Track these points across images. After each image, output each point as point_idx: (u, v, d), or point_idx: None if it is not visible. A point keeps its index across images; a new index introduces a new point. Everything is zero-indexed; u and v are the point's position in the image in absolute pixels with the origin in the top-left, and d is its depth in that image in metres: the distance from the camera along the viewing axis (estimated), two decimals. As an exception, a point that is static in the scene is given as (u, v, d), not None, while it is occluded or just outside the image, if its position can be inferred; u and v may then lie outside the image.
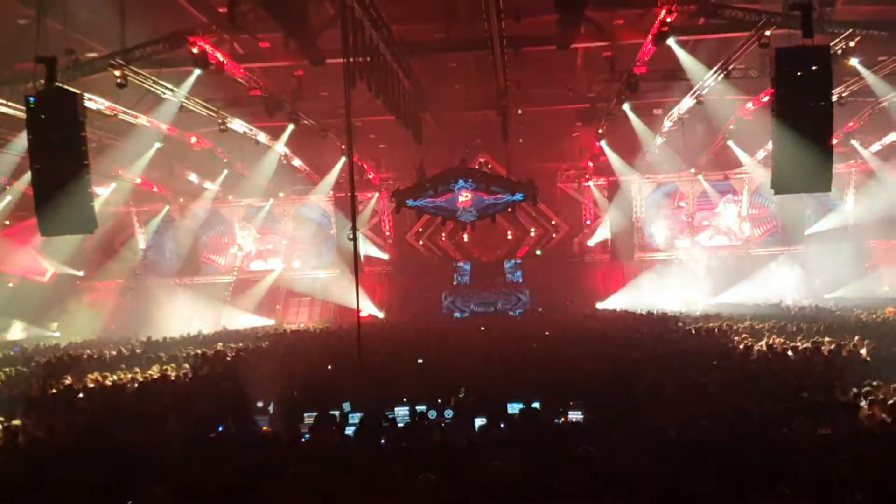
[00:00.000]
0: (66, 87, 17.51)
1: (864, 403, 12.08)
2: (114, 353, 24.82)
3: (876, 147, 33.96)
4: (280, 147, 31.73)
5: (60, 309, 35.90)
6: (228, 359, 22.07)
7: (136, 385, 17.93)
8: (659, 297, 34.99)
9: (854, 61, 22.33)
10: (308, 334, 29.88)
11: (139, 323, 34.05)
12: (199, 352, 23.74)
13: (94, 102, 22.55)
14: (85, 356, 24.01)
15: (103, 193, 33.45)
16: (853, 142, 33.43)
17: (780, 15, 19.77)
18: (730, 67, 23.36)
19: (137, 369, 20.09)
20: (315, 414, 13.33)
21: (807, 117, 15.69)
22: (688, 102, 27.40)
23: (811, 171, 16.14)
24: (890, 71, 24.16)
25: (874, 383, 12.83)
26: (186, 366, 20.78)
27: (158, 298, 36.88)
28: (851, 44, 21.02)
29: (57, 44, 18.69)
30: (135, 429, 12.94)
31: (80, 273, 37.66)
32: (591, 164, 37.58)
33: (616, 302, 36.18)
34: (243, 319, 35.65)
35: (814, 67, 15.56)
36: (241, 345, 25.85)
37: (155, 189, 36.62)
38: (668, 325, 25.65)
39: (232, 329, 32.44)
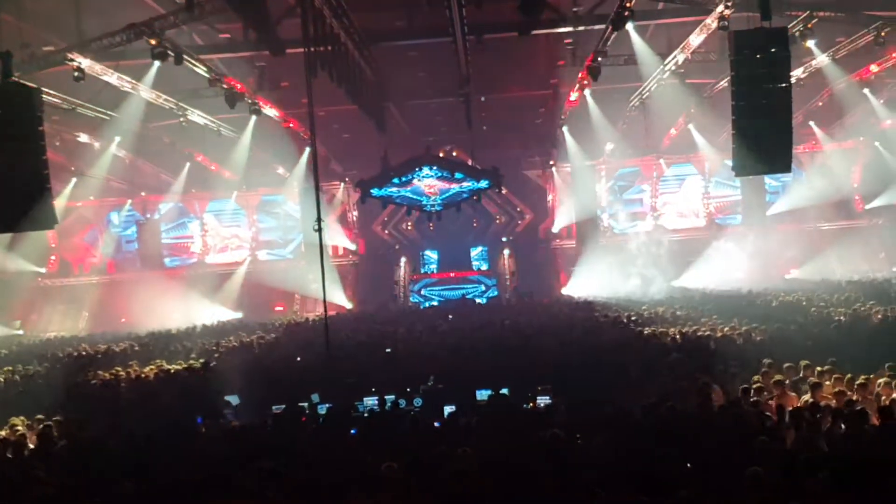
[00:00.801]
0: (22, 81, 17.27)
1: (828, 382, 12.25)
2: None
3: (836, 127, 34.37)
4: (244, 139, 31.58)
5: (22, 306, 35.55)
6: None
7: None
8: (622, 281, 35.19)
9: (811, 43, 22.49)
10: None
11: (110, 319, 33.92)
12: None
13: (51, 97, 22.29)
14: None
15: (65, 189, 33.17)
16: (811, 123, 33.71)
17: (738, -2, 19.92)
18: (689, 51, 23.51)
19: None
20: (283, 406, 13.33)
21: (766, 99, 15.82)
22: (649, 87, 27.59)
23: (771, 153, 16.29)
24: (847, 52, 24.40)
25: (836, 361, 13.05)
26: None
27: (125, 293, 36.64)
28: (809, 25, 21.20)
29: (11, 37, 18.47)
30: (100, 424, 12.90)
31: (42, 270, 37.26)
32: (554, 150, 37.64)
33: (581, 287, 36.27)
34: (211, 313, 35.34)
35: (772, 49, 15.69)
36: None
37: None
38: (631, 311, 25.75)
39: (210, 323, 32.05)
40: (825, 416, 10.46)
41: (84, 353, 23.69)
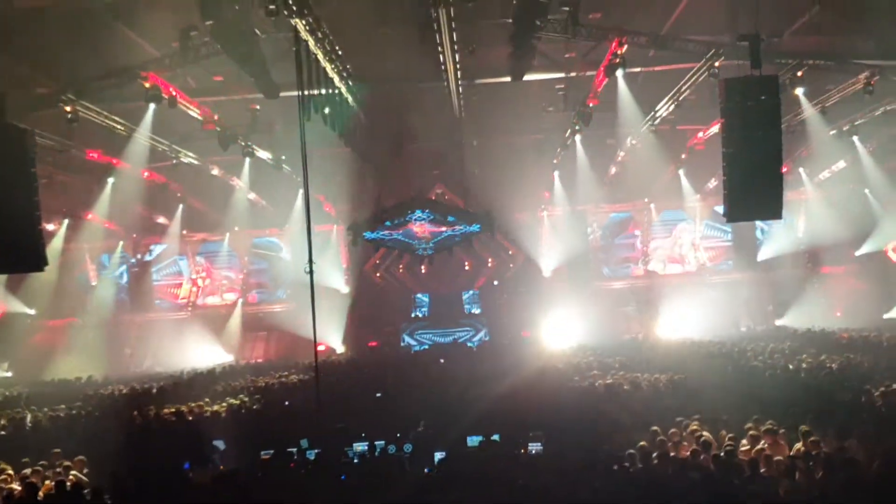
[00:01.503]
0: (15, 123, 17.28)
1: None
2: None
3: (825, 174, 34.50)
4: (239, 182, 31.77)
5: (11, 348, 35.30)
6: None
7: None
8: (614, 326, 35.17)
9: (800, 91, 22.63)
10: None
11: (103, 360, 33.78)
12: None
13: (44, 138, 22.33)
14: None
15: (60, 231, 33.39)
16: (801, 170, 33.79)
17: (728, 46, 20.09)
18: (680, 98, 23.67)
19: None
20: (272, 451, 13.21)
21: (757, 146, 15.91)
22: (640, 133, 27.74)
23: (763, 199, 16.37)
24: (837, 100, 24.55)
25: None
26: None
27: (115, 336, 36.50)
28: (799, 74, 21.38)
29: (6, 79, 18.49)
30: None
31: (32, 311, 37.05)
32: (546, 194, 37.75)
33: (572, 332, 36.14)
34: (203, 355, 35.12)
35: (762, 97, 15.82)
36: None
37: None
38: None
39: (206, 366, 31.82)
40: (818, 464, 10.39)
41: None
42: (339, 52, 19.18)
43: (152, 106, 21.72)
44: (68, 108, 20.86)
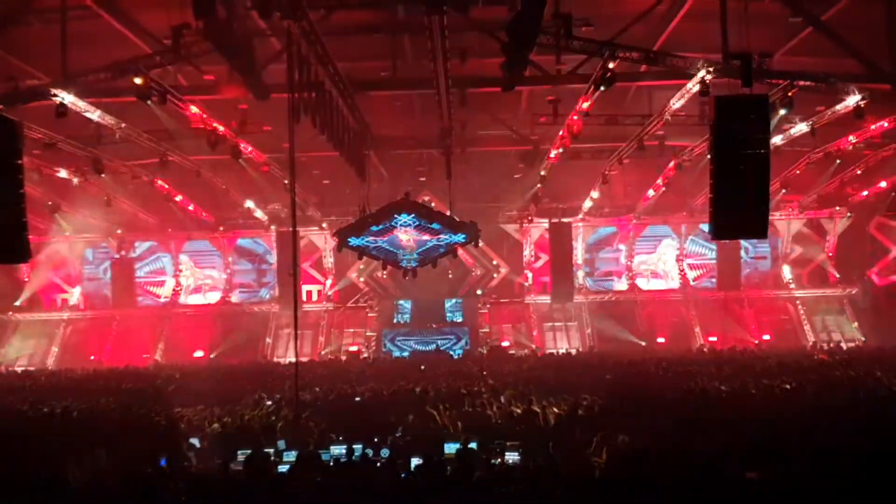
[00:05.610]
0: (4, 114, 17.22)
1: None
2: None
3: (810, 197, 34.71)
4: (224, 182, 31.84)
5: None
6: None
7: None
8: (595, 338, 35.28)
9: (789, 111, 22.58)
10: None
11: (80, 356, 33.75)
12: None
13: (33, 131, 22.24)
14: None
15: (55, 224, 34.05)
16: (784, 191, 33.77)
17: (720, 64, 20.14)
18: (669, 114, 23.72)
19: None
20: (248, 451, 13.12)
21: (744, 165, 15.98)
22: (629, 148, 27.80)
23: (748, 218, 16.43)
24: (827, 122, 24.62)
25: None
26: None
27: (96, 331, 36.47)
28: (790, 94, 21.44)
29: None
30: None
31: (18, 304, 37.05)
32: (532, 205, 37.77)
33: (554, 343, 36.26)
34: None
35: (752, 116, 15.89)
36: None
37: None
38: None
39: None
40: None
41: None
42: (331, 56, 19.17)
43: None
44: (58, 101, 20.73)
